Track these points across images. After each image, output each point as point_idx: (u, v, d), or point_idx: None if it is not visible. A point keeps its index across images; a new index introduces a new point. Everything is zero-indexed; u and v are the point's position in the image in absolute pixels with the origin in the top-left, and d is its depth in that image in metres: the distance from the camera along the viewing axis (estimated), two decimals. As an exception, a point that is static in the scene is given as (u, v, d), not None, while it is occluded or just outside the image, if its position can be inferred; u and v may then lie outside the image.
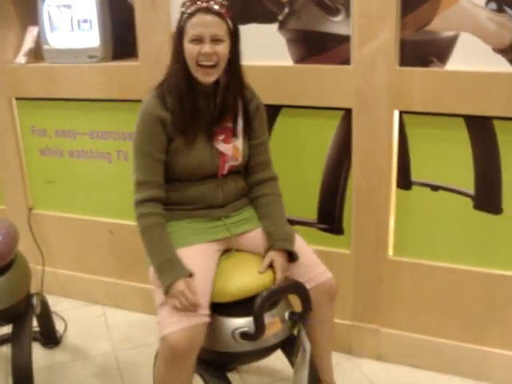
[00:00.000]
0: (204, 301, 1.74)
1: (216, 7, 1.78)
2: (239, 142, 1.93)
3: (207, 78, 1.82)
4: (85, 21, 2.63)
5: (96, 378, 2.46)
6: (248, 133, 1.97)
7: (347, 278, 2.39)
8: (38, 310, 2.42)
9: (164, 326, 1.72)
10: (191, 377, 1.81)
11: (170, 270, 1.76)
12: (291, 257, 1.90)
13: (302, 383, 1.79)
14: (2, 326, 2.22)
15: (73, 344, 2.71)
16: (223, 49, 1.80)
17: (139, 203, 1.86)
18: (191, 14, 1.78)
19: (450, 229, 2.23)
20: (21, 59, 2.82)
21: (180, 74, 1.85)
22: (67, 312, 2.91)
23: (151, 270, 1.86)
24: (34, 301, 2.37)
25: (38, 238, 3.03)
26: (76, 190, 2.93)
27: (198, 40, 1.78)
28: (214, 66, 1.81)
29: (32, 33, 2.86)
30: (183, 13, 1.81)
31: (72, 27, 2.66)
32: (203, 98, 1.89)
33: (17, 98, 2.90)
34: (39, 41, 2.79)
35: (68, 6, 2.63)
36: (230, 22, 1.82)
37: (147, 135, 1.86)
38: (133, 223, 2.71)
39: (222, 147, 1.90)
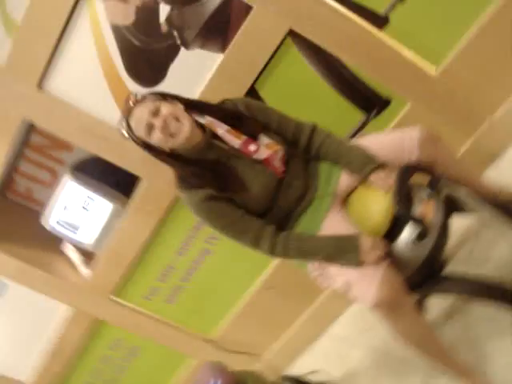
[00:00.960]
0: None
1: (131, 104, 1.88)
2: (262, 138, 1.95)
3: (182, 134, 1.85)
4: (90, 198, 2.74)
5: None
6: (263, 126, 1.98)
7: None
8: None
9: (367, 296, 1.77)
10: (420, 316, 1.91)
11: (343, 241, 1.84)
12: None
13: (486, 217, 1.88)
14: None
15: None
16: (165, 107, 1.86)
17: (271, 248, 1.90)
18: (128, 126, 1.88)
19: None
20: (85, 272, 2.93)
21: (177, 161, 1.93)
22: None
23: (311, 268, 1.95)
24: None
25: None
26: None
27: (150, 128, 1.85)
28: (177, 121, 1.85)
29: (69, 249, 2.98)
30: (127, 133, 1.90)
31: (86, 209, 2.77)
32: (212, 151, 1.94)
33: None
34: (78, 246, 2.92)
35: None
36: (148, 96, 1.90)
37: (214, 215, 1.92)
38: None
39: (259, 154, 1.92)
